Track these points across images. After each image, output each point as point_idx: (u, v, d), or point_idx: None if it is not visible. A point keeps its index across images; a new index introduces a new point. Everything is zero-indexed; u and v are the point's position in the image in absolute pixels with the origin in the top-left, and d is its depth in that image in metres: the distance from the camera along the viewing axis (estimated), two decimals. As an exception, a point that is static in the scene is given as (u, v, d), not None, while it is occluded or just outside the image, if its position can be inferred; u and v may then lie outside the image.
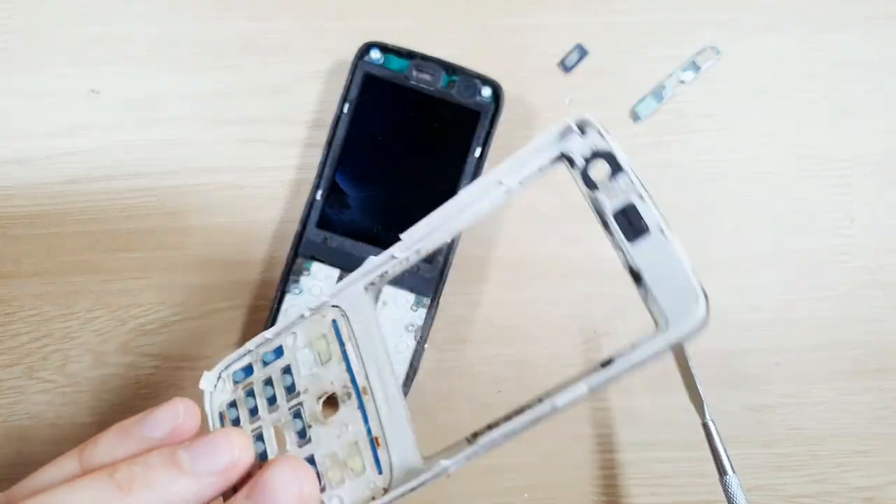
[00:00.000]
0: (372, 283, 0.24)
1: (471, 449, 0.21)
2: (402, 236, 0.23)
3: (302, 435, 0.24)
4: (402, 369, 0.36)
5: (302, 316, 0.25)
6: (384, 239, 0.35)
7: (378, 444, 0.22)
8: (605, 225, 0.20)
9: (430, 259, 0.37)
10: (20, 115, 0.39)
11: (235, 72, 0.39)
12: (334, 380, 0.24)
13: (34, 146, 0.39)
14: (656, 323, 0.19)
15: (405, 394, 0.35)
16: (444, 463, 0.21)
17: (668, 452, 0.37)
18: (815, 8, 0.40)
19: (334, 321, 0.24)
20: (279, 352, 0.25)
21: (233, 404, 0.25)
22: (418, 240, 0.23)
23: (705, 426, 0.33)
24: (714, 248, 0.39)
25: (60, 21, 0.40)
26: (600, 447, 0.37)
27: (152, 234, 0.38)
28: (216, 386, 0.25)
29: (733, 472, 0.32)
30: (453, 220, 0.22)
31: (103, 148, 0.39)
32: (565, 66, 0.40)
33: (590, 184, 0.21)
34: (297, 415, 0.24)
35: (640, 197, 0.20)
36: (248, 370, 0.25)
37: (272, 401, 0.24)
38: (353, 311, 0.24)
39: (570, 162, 0.21)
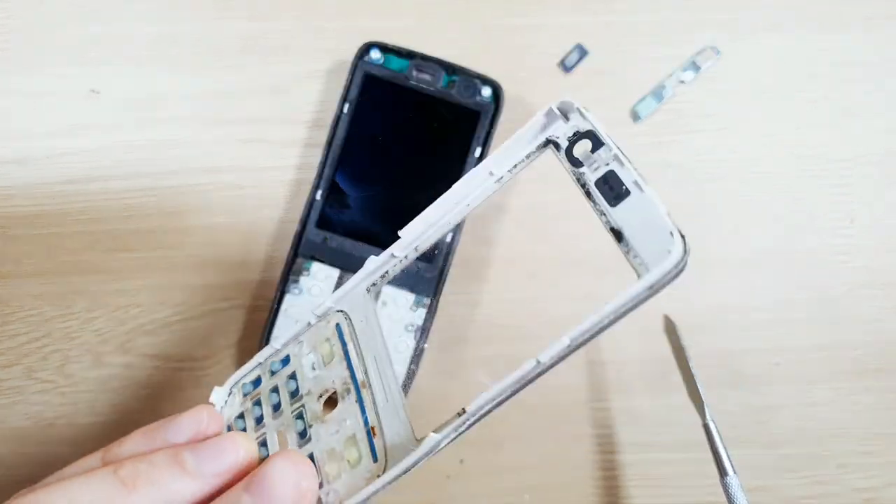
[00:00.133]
0: (373, 284, 0.24)
1: (460, 419, 0.20)
2: (400, 233, 0.23)
3: (303, 435, 0.24)
4: (401, 369, 0.36)
5: (309, 324, 0.25)
6: (384, 239, 0.35)
7: (374, 434, 0.22)
8: (588, 195, 0.21)
9: (429, 259, 0.37)
10: (20, 115, 0.39)
11: (235, 72, 0.39)
12: (335, 378, 0.24)
13: (34, 146, 0.39)
14: (638, 274, 0.19)
15: (405, 394, 0.35)
16: (435, 437, 0.20)
17: (669, 453, 0.37)
18: (815, 8, 0.40)
19: (338, 325, 0.24)
20: (286, 360, 0.25)
21: (241, 416, 0.25)
22: (417, 236, 0.23)
23: (706, 427, 0.33)
24: (714, 248, 0.39)
25: (60, 21, 0.40)
26: (600, 447, 0.37)
27: (152, 234, 0.38)
28: (227, 401, 0.26)
29: (734, 472, 0.32)
30: (449, 213, 0.23)
31: (103, 148, 0.39)
32: (565, 66, 0.40)
33: (575, 162, 0.21)
34: (300, 416, 0.24)
35: (618, 160, 0.20)
36: (257, 382, 0.26)
37: (277, 407, 0.25)
38: (355, 311, 0.24)
39: (556, 146, 0.22)
